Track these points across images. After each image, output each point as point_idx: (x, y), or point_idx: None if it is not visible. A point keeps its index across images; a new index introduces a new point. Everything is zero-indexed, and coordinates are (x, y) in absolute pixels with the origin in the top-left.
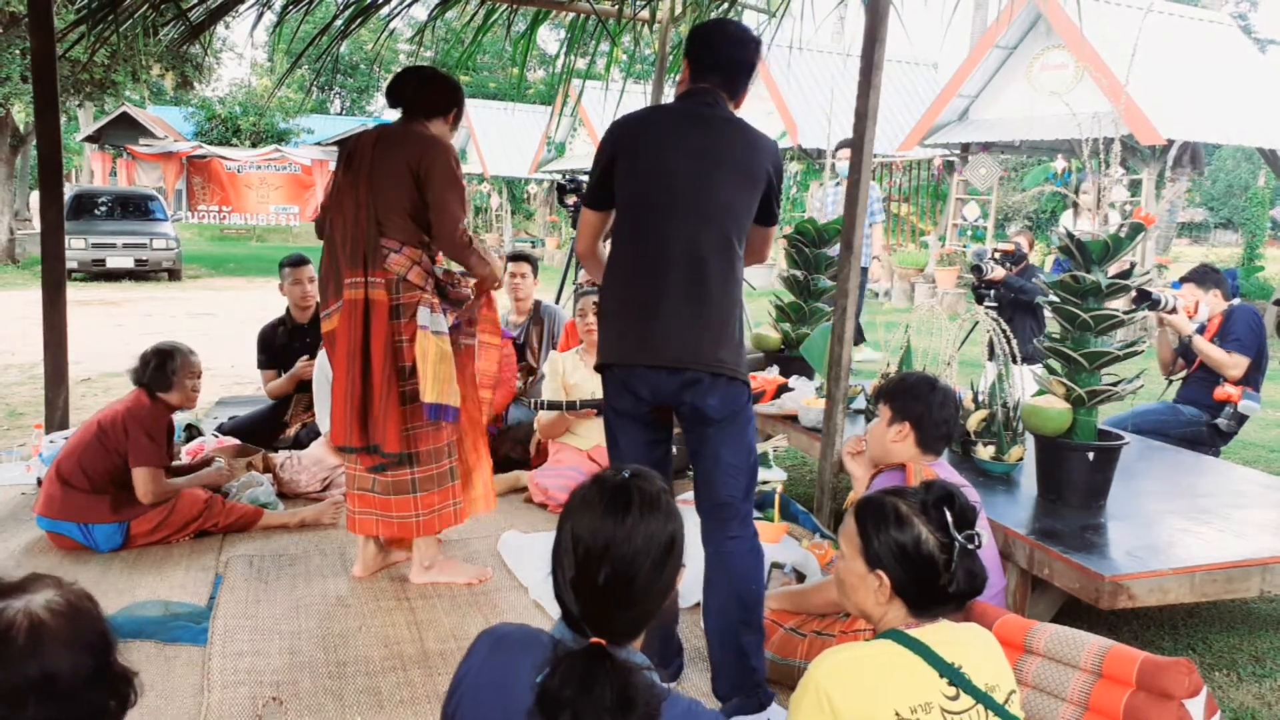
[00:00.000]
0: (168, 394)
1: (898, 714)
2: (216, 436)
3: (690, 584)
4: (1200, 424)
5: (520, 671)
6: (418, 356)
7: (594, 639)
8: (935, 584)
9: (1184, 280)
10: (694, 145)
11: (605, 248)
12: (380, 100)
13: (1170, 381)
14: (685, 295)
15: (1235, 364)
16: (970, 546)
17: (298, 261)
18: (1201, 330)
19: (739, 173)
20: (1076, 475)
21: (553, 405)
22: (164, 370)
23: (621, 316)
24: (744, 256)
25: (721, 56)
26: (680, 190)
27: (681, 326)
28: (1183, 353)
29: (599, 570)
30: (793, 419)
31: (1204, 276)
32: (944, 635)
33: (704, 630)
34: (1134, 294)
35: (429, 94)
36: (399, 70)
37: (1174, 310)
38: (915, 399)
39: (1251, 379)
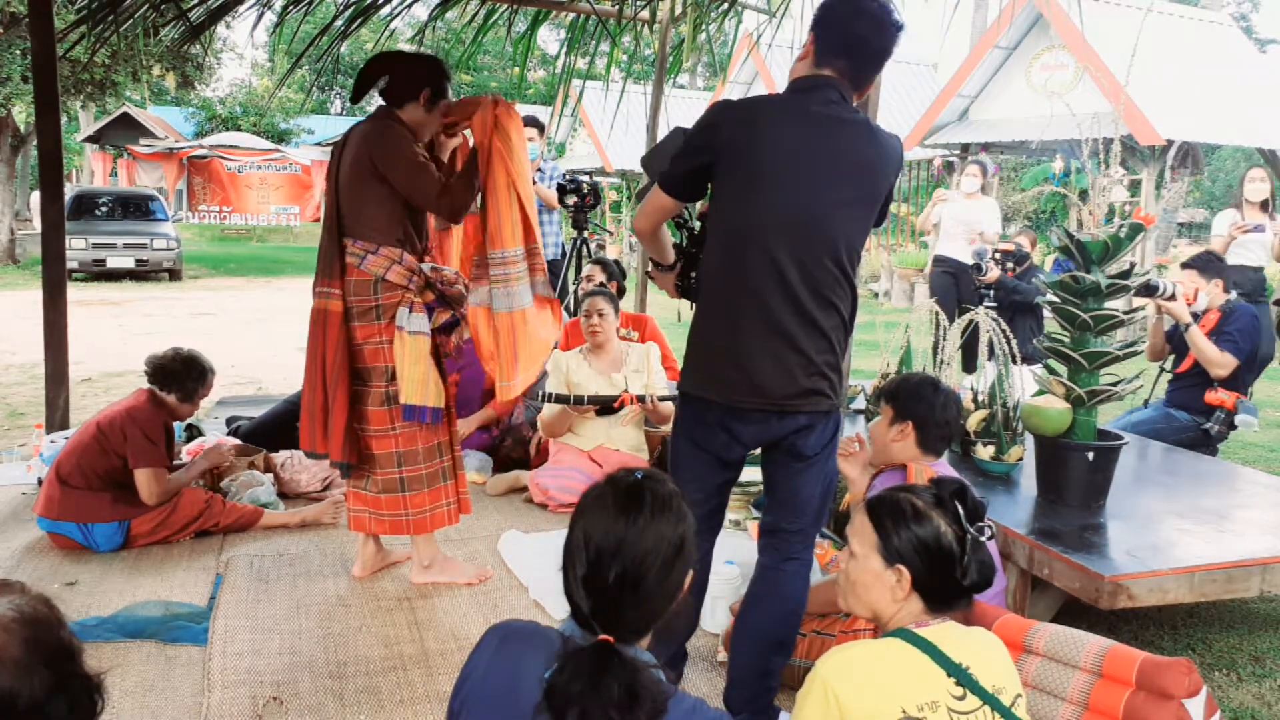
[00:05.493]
0: (180, 404)
1: (904, 712)
2: (218, 437)
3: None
4: (1193, 429)
5: (528, 668)
6: (396, 358)
7: (602, 636)
8: (952, 577)
9: (1186, 266)
10: (820, 159)
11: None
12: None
13: (1161, 370)
14: (803, 335)
15: (1224, 363)
16: (982, 539)
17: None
18: (1197, 320)
19: (865, 191)
20: (1076, 475)
21: (559, 399)
22: (187, 381)
23: (726, 353)
24: None
25: (853, 38)
26: (802, 212)
27: (800, 370)
28: (1172, 341)
29: (610, 569)
30: None
31: (1207, 265)
32: (952, 635)
33: (732, 640)
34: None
35: (393, 78)
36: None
37: (1173, 297)
38: (918, 400)
39: (1242, 380)
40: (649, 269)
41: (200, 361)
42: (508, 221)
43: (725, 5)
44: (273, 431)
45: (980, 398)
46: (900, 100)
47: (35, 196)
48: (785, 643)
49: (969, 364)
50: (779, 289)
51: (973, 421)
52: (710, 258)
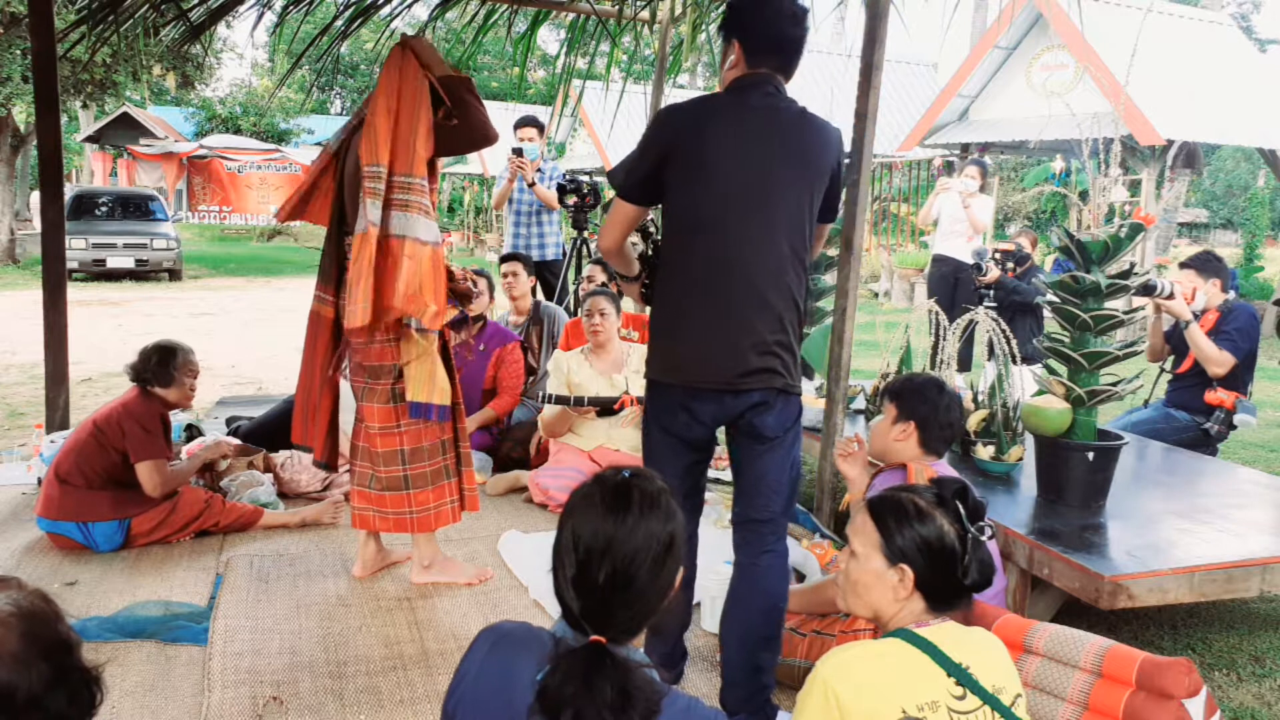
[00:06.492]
0: (166, 390)
1: (905, 712)
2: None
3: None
4: (1193, 429)
5: (521, 669)
6: (403, 355)
7: (594, 637)
8: (954, 576)
9: (1184, 266)
10: (762, 146)
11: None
12: None
13: (1161, 370)
14: (754, 315)
15: (1222, 361)
16: (983, 538)
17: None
18: (1196, 320)
19: (808, 175)
20: (1076, 475)
21: (560, 400)
22: (166, 367)
23: (683, 336)
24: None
25: (777, 37)
26: (748, 200)
27: (751, 348)
28: (1172, 341)
29: (599, 568)
30: None
31: (1205, 264)
32: (952, 636)
33: (720, 640)
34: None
35: None
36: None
37: (1171, 296)
38: (923, 400)
39: (1241, 380)
40: (616, 278)
41: (167, 344)
42: (378, 135)
43: (724, 5)
44: (273, 431)
45: (980, 398)
46: (900, 100)
47: (35, 196)
48: (772, 638)
49: (961, 363)
50: (730, 271)
51: (973, 421)
52: (667, 248)
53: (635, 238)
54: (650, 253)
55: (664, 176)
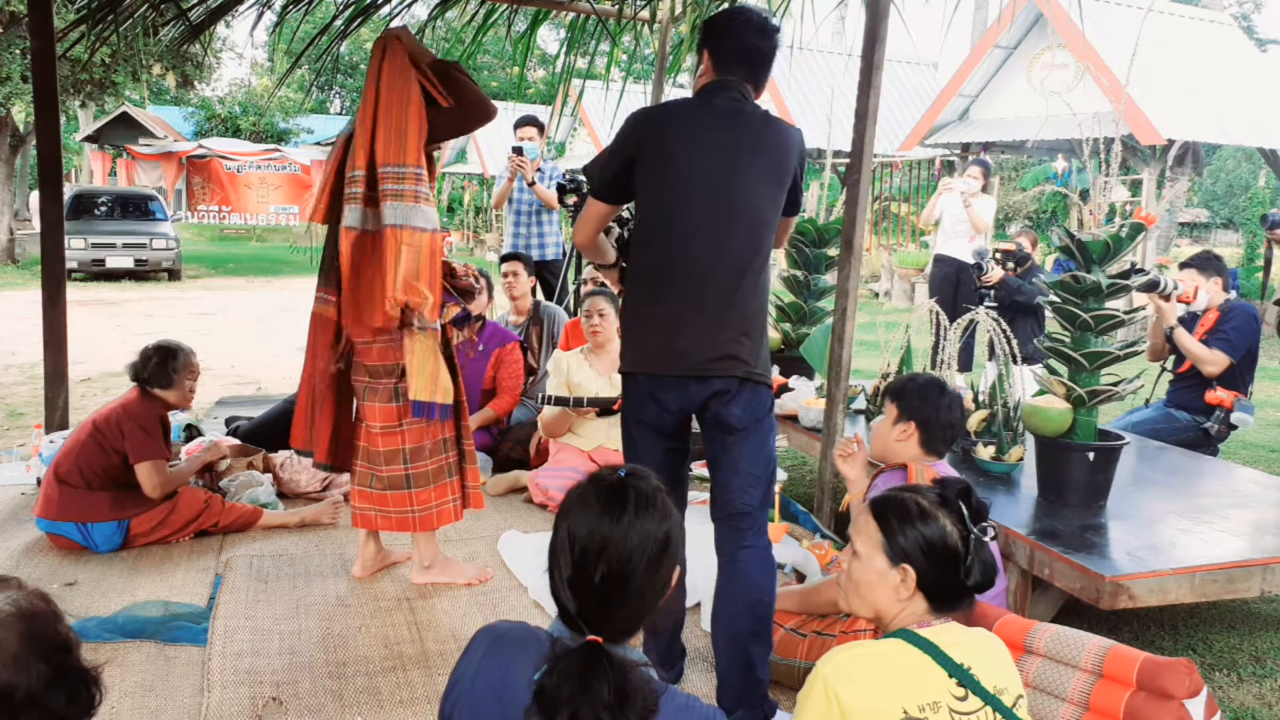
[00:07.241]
0: (166, 391)
1: (906, 712)
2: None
3: (688, 585)
4: (1193, 429)
5: (518, 669)
6: (406, 354)
7: (591, 637)
8: (956, 577)
9: (1185, 265)
10: (725, 146)
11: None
12: None
13: (1162, 370)
14: (718, 304)
15: (1213, 360)
16: (985, 539)
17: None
18: (1195, 319)
19: (770, 173)
20: (1077, 475)
21: (559, 401)
22: (165, 368)
23: (650, 327)
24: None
25: (746, 47)
26: (712, 195)
27: (714, 336)
28: (1172, 341)
29: (595, 568)
30: (793, 419)
31: (1205, 263)
32: (953, 636)
33: (711, 640)
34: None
35: None
36: None
37: (1168, 296)
38: (924, 400)
39: (1241, 379)
40: (594, 266)
41: (168, 345)
42: (357, 139)
43: (725, 5)
44: (272, 431)
45: (981, 398)
46: (901, 100)
47: (35, 196)
48: (760, 633)
49: (962, 363)
50: (696, 267)
51: (973, 421)
52: (636, 245)
53: (611, 223)
54: (627, 237)
55: (633, 176)
